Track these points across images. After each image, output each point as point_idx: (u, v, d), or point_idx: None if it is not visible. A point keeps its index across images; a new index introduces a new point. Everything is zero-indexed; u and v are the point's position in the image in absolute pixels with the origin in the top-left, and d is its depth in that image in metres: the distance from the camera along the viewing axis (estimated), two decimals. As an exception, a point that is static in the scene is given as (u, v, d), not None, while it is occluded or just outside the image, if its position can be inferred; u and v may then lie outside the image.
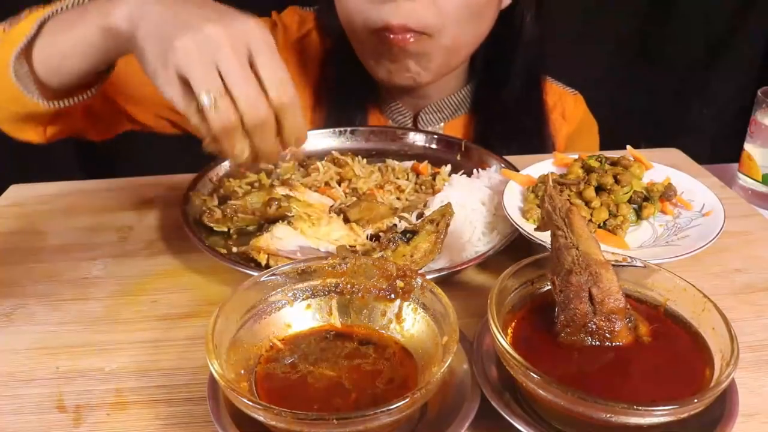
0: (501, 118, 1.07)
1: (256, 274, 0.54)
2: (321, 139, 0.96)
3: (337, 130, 0.97)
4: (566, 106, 1.15)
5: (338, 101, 1.07)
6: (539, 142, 1.08)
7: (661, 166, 0.80)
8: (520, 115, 1.08)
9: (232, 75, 0.57)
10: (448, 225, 0.68)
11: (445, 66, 0.98)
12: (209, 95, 0.57)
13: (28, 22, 0.75)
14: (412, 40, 0.89)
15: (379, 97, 1.10)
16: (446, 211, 0.68)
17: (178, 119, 1.04)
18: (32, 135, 0.85)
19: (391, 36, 0.89)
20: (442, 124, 1.10)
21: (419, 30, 0.89)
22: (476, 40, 0.99)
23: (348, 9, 0.93)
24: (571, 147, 1.14)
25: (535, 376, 0.45)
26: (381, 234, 0.74)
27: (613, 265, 0.52)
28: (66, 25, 0.73)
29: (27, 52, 0.74)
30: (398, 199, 0.82)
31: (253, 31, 0.58)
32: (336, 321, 0.55)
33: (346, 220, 0.74)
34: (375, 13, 0.89)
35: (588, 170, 0.76)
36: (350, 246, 0.71)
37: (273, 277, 0.54)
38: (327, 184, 0.83)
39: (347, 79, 1.07)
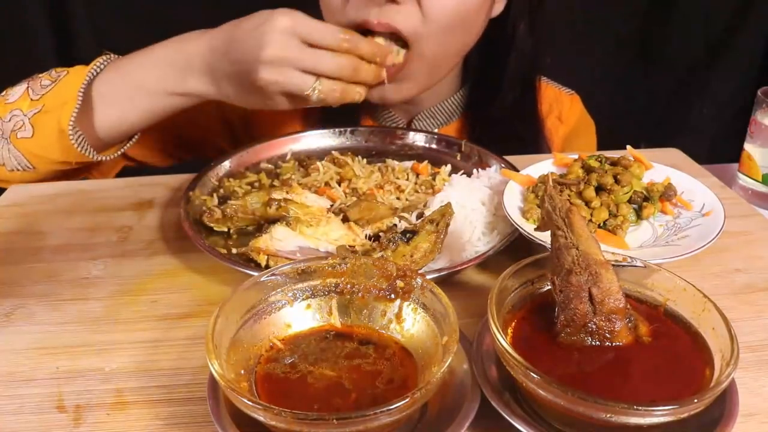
0: (494, 125, 1.06)
1: (256, 274, 0.54)
2: (321, 139, 0.96)
3: (337, 130, 0.97)
4: (562, 108, 1.14)
5: (330, 110, 1.06)
6: (534, 149, 1.07)
7: (661, 166, 0.80)
8: (514, 121, 1.07)
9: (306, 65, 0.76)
10: (448, 225, 0.67)
11: (430, 82, 0.95)
12: (312, 92, 0.77)
13: (65, 88, 0.84)
14: (396, 64, 0.87)
15: (371, 105, 1.09)
16: (446, 211, 0.68)
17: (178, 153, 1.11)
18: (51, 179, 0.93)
19: None
20: (435, 130, 1.09)
21: (400, 33, 0.85)
22: (462, 49, 0.96)
23: (330, 9, 0.91)
24: (569, 147, 1.13)
25: (535, 376, 0.45)
26: (381, 234, 0.74)
27: (613, 265, 0.52)
28: (122, 94, 0.85)
29: (79, 119, 0.83)
30: (398, 199, 0.82)
31: (278, 30, 0.75)
32: (336, 321, 0.55)
33: (345, 219, 0.74)
34: (355, 13, 0.87)
35: (588, 170, 0.76)
36: (350, 246, 0.71)
37: (273, 277, 0.54)
38: (327, 184, 0.83)
39: None
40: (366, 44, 0.79)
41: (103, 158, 0.89)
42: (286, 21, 0.74)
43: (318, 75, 0.77)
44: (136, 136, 0.92)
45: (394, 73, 0.87)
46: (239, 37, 0.77)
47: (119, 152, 0.91)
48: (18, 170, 0.88)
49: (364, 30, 0.85)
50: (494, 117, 1.06)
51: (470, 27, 0.93)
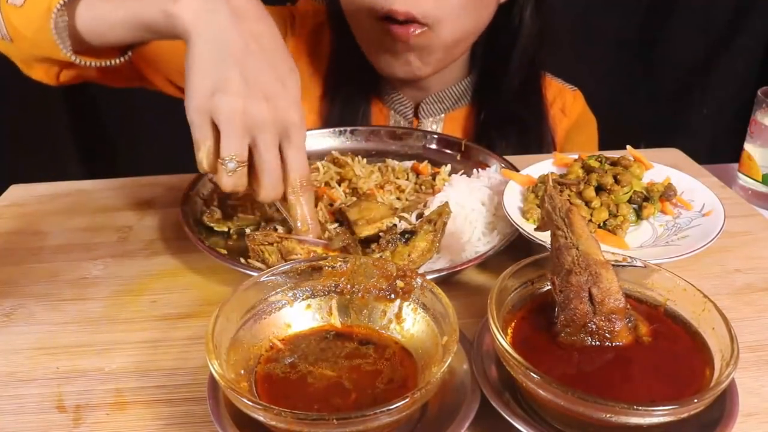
0: (501, 110, 1.09)
1: (256, 274, 0.54)
2: (321, 139, 0.96)
3: (337, 130, 0.97)
4: (566, 101, 1.16)
5: (343, 92, 1.09)
6: (538, 134, 1.10)
7: (661, 166, 0.80)
8: (520, 107, 1.09)
9: (264, 157, 0.64)
10: (445, 224, 0.68)
11: (445, 60, 0.99)
12: (233, 162, 0.63)
13: None
14: (417, 32, 0.91)
15: (381, 88, 1.11)
16: (443, 211, 0.68)
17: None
18: (42, 75, 0.85)
19: (395, 28, 0.90)
20: (442, 115, 1.11)
21: (422, 20, 0.90)
22: (475, 32, 1.00)
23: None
24: (570, 141, 1.15)
25: (535, 376, 0.45)
26: (381, 234, 0.74)
27: (613, 265, 0.52)
28: None
29: (69, 5, 0.74)
30: (398, 199, 0.82)
31: (294, 114, 0.64)
32: (336, 321, 0.55)
33: (344, 219, 0.74)
34: (380, 1, 0.90)
35: (588, 170, 0.76)
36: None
37: (273, 277, 0.54)
38: (327, 184, 0.83)
39: (351, 70, 1.08)
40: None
41: (77, 60, 0.77)
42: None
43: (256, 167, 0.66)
44: (123, 58, 0.81)
45: (407, 38, 0.91)
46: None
47: (108, 63, 0.80)
48: None
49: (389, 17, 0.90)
50: (501, 101, 1.09)
51: (483, 10, 0.97)
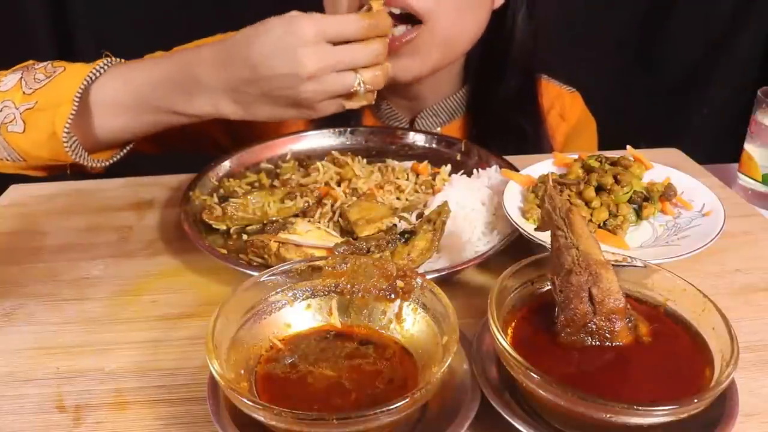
0: (496, 119, 1.07)
1: (256, 274, 0.54)
2: (321, 139, 0.96)
3: (337, 130, 0.96)
4: (564, 105, 1.15)
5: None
6: (535, 141, 1.08)
7: (661, 166, 0.80)
8: (515, 114, 1.07)
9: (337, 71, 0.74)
10: (444, 223, 0.68)
11: (441, 61, 0.96)
12: (359, 87, 0.76)
13: (61, 87, 0.80)
14: (408, 37, 0.87)
15: (374, 103, 1.09)
16: (442, 210, 0.68)
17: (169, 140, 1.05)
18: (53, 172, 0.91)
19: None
20: (438, 128, 1.10)
21: (413, 9, 0.86)
22: (471, 35, 0.97)
23: None
24: (570, 145, 1.14)
25: (535, 376, 0.45)
26: (381, 233, 0.74)
27: (613, 265, 0.52)
28: (127, 106, 0.82)
29: (75, 127, 0.81)
30: (398, 199, 0.82)
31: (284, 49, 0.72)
32: (336, 321, 0.55)
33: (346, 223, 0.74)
34: None
35: (588, 170, 0.76)
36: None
37: (273, 277, 0.54)
38: (327, 184, 0.83)
39: None
40: (384, 20, 0.77)
41: (96, 164, 0.86)
42: (311, 29, 0.71)
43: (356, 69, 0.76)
44: (131, 145, 0.90)
45: (398, 47, 0.87)
46: (263, 60, 0.73)
47: (114, 159, 0.89)
48: (8, 160, 0.87)
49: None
50: (496, 110, 1.07)
51: (478, 9, 0.94)
